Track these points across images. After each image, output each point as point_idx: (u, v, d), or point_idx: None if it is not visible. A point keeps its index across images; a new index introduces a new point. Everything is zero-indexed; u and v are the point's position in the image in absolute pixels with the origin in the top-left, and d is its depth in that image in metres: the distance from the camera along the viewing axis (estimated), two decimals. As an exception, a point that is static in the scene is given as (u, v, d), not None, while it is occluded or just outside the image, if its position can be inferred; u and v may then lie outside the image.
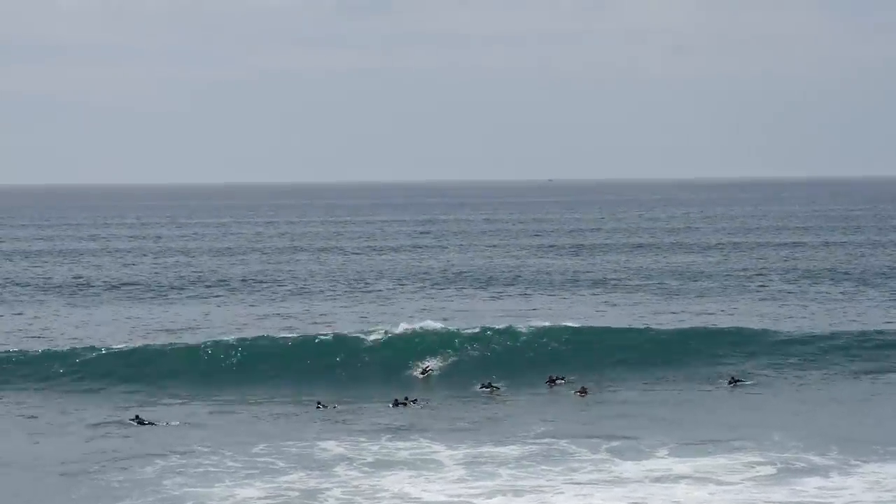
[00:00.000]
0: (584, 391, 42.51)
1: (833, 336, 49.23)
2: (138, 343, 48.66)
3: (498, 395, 43.39)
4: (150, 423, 37.49)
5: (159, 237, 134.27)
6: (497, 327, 48.90)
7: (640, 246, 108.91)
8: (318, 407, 40.11)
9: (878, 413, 39.07)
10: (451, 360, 46.53)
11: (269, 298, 67.45)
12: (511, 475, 30.21)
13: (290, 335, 48.94)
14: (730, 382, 43.88)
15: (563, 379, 44.35)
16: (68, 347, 47.76)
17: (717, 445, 33.53)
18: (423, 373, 45.78)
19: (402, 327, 48.73)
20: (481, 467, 31.01)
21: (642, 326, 50.91)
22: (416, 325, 48.81)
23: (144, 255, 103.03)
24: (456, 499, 28.05)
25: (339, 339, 47.73)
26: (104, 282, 77.32)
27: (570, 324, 50.45)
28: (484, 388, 43.78)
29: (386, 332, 47.97)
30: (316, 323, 56.00)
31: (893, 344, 48.26)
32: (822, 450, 32.38)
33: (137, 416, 38.11)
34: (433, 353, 46.60)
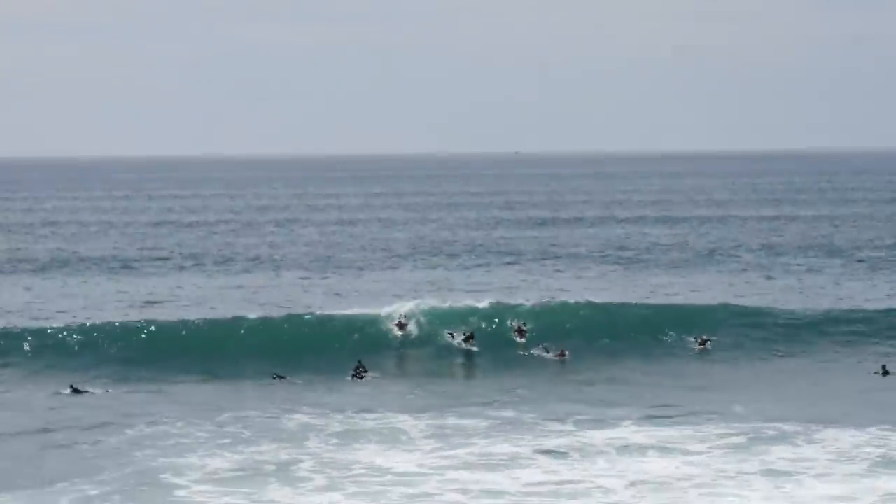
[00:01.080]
0: (562, 354, 43.08)
1: (799, 311, 49.54)
2: (103, 317, 48.56)
3: (473, 346, 43.88)
4: (87, 392, 38.04)
5: (128, 209, 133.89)
6: (468, 302, 48.68)
7: (609, 218, 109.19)
8: (274, 378, 40.23)
9: (837, 384, 39.61)
10: (422, 319, 46.28)
11: (232, 272, 67.37)
12: (480, 445, 30.37)
13: (248, 313, 48.46)
14: (700, 343, 44.54)
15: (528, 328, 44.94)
16: (29, 322, 47.60)
17: (684, 415, 33.88)
18: (399, 326, 45.62)
19: (370, 306, 48.62)
20: (449, 438, 31.13)
21: (612, 300, 51.06)
22: (386, 307, 48.65)
23: (112, 228, 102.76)
24: (429, 470, 28.23)
25: (297, 317, 47.36)
26: (70, 256, 77.14)
27: (540, 296, 50.74)
28: (456, 337, 44.19)
29: (354, 310, 47.75)
30: (281, 298, 56.04)
31: (855, 317, 48.61)
32: (782, 420, 32.72)
33: (72, 386, 38.46)
34: (406, 316, 46.33)
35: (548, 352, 43.69)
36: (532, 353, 43.99)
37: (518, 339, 44.83)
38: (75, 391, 38.08)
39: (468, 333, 44.45)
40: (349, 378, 40.53)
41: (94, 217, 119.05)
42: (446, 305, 47.35)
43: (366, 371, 40.80)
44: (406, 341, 45.26)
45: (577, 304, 48.88)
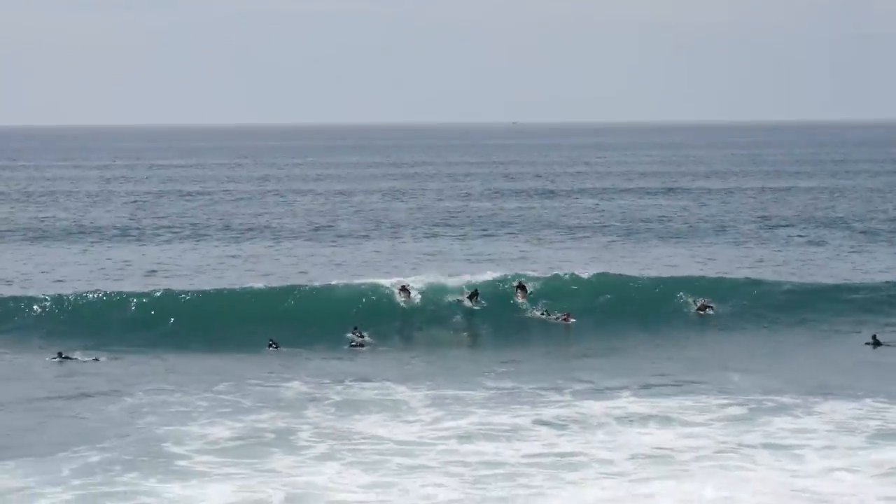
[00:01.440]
0: (568, 317, 43.21)
1: (799, 282, 49.57)
2: (103, 286, 48.53)
3: (475, 304, 44.17)
4: (75, 359, 38.11)
5: (129, 179, 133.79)
6: (476, 277, 48.44)
7: (610, 189, 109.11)
8: (271, 346, 40.27)
9: (837, 356, 39.68)
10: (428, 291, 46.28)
11: (233, 241, 67.36)
12: (480, 415, 30.38)
13: (248, 282, 48.36)
14: (700, 308, 44.67)
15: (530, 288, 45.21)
16: (29, 291, 47.58)
17: (683, 386, 33.93)
18: (402, 290, 45.51)
19: (371, 276, 48.53)
20: (449, 408, 31.16)
21: (612, 270, 51.05)
22: (390, 278, 48.54)
23: (113, 197, 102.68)
24: (429, 440, 28.25)
25: (296, 286, 47.25)
26: (68, 225, 77.15)
27: (537, 267, 50.71)
28: (457, 300, 44.31)
29: (355, 280, 47.70)
30: (281, 268, 56.05)
31: (856, 288, 48.62)
32: (782, 392, 32.78)
33: (60, 353, 38.53)
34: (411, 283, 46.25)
35: (548, 314, 43.90)
36: (533, 314, 44.12)
37: (519, 301, 44.87)
38: (64, 358, 38.13)
39: (472, 291, 44.63)
40: (347, 347, 40.55)
41: (96, 186, 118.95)
42: (454, 283, 47.02)
43: (362, 335, 40.82)
44: (407, 309, 45.18)
45: (588, 277, 48.61)
